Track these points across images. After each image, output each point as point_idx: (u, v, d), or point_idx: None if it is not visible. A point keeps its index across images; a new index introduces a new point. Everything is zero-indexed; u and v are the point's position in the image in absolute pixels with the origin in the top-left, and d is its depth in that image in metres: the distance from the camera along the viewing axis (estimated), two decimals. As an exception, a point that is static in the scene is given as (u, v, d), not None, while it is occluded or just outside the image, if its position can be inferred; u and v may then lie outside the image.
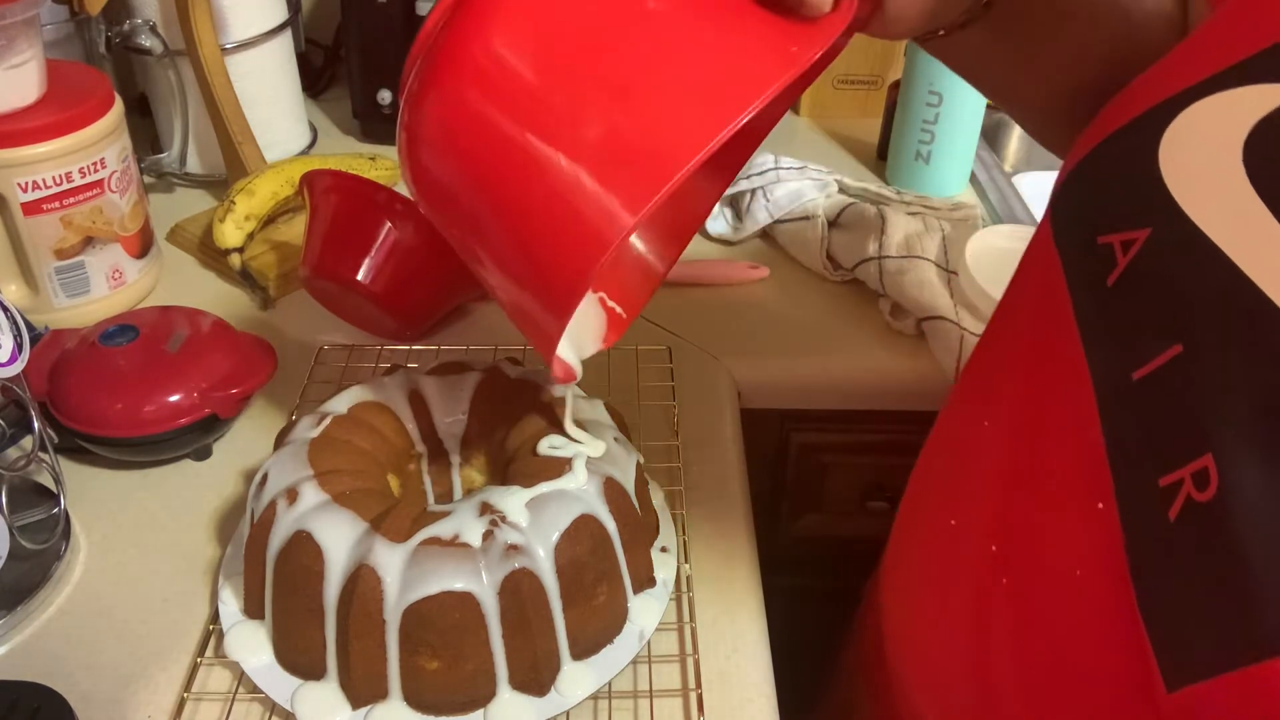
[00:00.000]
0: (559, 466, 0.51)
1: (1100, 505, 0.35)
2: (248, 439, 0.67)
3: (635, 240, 0.54)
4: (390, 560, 0.47)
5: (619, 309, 0.54)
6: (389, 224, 0.70)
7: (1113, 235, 0.36)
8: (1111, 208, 0.37)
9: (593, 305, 0.53)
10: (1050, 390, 0.40)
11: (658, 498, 0.60)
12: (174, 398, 0.62)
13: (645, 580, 0.54)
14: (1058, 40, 0.50)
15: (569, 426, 0.54)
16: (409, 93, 0.39)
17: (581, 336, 0.52)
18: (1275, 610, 0.28)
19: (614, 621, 0.52)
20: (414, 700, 0.48)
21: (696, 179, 0.49)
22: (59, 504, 0.58)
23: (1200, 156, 0.34)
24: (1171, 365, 0.33)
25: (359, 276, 0.70)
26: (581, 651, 0.51)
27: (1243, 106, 0.33)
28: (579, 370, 0.51)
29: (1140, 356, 0.34)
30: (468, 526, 0.48)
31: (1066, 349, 0.38)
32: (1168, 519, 0.31)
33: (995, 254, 0.77)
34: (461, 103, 0.37)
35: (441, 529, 0.48)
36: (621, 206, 0.35)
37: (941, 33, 0.48)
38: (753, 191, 0.87)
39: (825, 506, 0.88)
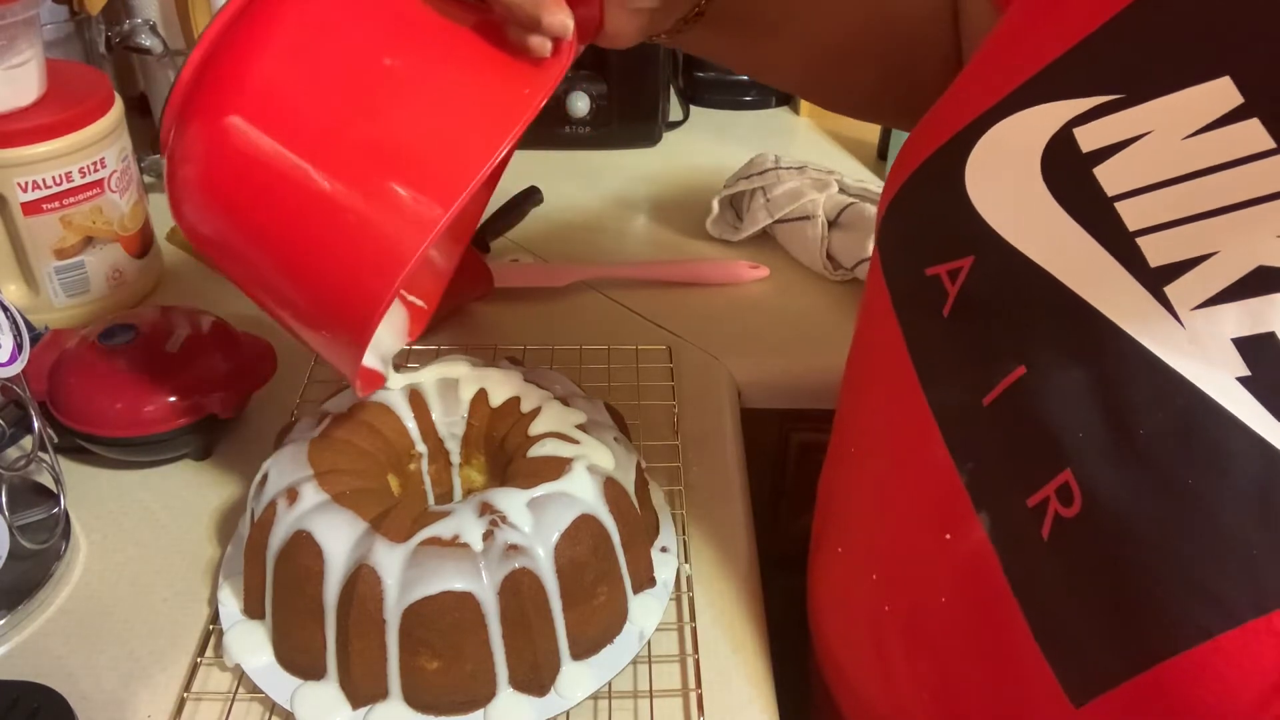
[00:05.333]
0: (559, 467, 0.51)
1: (948, 536, 0.36)
2: (248, 439, 0.67)
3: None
4: (390, 560, 0.47)
5: (419, 301, 0.56)
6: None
7: (939, 266, 0.37)
8: (932, 239, 0.38)
9: (394, 306, 0.55)
10: (894, 421, 0.40)
11: (658, 498, 0.60)
12: (174, 398, 0.62)
13: (645, 580, 0.54)
14: (787, 30, 0.52)
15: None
16: (172, 153, 0.40)
17: (383, 340, 0.54)
18: (1161, 611, 0.28)
19: (614, 621, 0.52)
20: (414, 700, 0.48)
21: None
22: (59, 504, 0.58)
23: (1005, 180, 0.34)
24: (1018, 386, 0.33)
25: (359, 276, 0.70)
26: (581, 651, 0.51)
27: (1035, 126, 0.34)
28: (388, 374, 0.54)
29: (987, 381, 0.34)
30: (468, 526, 0.48)
31: (903, 380, 0.38)
32: (1041, 538, 0.32)
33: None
34: (236, 159, 0.39)
35: (441, 529, 0.48)
36: (390, 260, 0.37)
37: (663, 37, 0.50)
38: (753, 191, 0.87)
39: (825, 506, 0.88)
